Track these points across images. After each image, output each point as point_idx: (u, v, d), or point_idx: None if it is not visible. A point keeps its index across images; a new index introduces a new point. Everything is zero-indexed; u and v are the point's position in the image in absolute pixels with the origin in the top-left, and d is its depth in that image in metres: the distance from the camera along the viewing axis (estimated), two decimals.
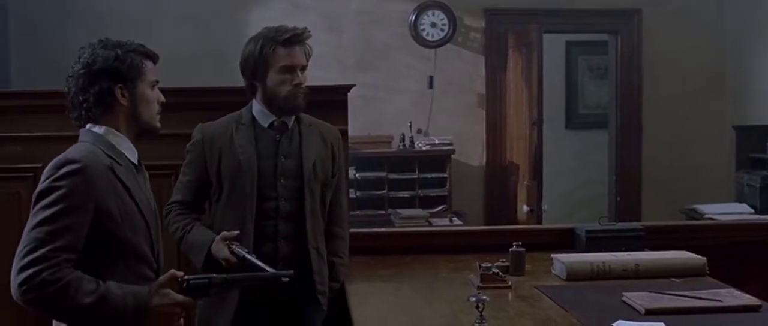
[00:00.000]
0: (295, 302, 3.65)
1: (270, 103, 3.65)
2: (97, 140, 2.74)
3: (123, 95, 2.77)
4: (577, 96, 10.22)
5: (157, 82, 2.87)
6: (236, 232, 3.50)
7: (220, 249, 3.45)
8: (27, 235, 2.56)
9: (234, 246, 3.41)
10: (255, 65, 3.61)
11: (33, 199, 2.60)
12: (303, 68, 3.65)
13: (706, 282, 3.67)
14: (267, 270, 3.19)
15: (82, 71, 2.74)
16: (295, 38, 3.62)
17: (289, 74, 3.60)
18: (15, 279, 2.51)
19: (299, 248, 3.64)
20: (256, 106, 3.70)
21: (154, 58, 2.87)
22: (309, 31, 3.67)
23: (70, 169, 2.58)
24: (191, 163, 3.72)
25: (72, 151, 2.67)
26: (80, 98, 2.75)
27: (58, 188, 2.56)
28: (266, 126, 3.69)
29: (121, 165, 2.74)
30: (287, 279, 2.91)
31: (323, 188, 3.72)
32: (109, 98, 2.75)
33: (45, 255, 2.51)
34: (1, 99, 4.50)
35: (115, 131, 2.78)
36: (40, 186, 2.60)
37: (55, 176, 2.58)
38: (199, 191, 3.72)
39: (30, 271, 2.49)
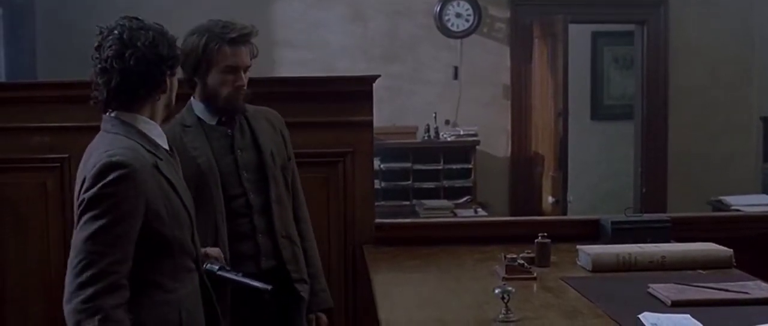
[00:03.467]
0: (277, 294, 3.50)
1: (208, 101, 3.52)
2: (130, 132, 2.68)
3: (169, 83, 2.77)
4: (602, 87, 10.17)
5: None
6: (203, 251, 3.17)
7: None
8: (81, 246, 2.51)
9: (206, 265, 3.09)
10: (197, 61, 3.43)
11: (81, 204, 2.56)
12: (246, 69, 3.51)
13: (732, 274, 3.65)
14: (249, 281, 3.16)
15: (138, 54, 2.64)
16: (243, 38, 3.47)
17: (232, 75, 3.46)
18: (74, 294, 2.48)
19: (273, 239, 3.58)
20: (198, 105, 3.56)
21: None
22: (256, 30, 3.53)
23: (119, 175, 2.53)
24: None
25: (113, 148, 2.59)
26: (135, 82, 2.66)
27: (109, 196, 2.52)
28: (215, 123, 3.56)
29: (161, 159, 2.71)
30: (268, 290, 3.13)
31: (284, 173, 3.65)
32: (163, 86, 2.73)
33: (104, 270, 2.48)
34: (27, 90, 4.52)
35: (147, 118, 2.73)
36: (89, 192, 2.53)
37: (104, 182, 2.52)
38: None
39: (90, 291, 2.47)
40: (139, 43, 2.64)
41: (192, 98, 3.59)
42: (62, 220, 4.16)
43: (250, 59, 3.53)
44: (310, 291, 3.68)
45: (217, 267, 3.13)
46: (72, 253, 2.53)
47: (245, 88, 3.51)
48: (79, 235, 2.53)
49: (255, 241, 3.55)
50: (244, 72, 3.50)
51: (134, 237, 2.56)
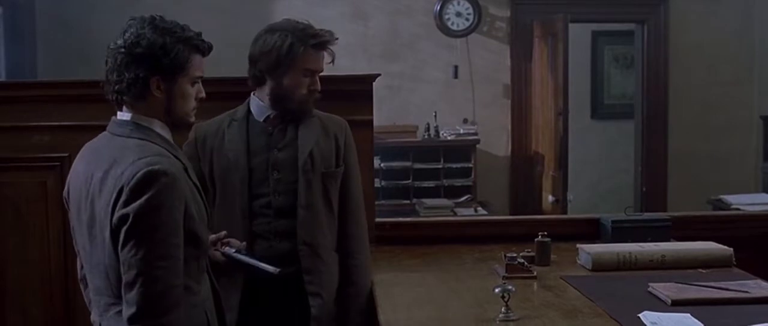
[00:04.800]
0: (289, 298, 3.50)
1: (278, 100, 3.48)
2: (151, 136, 2.62)
3: (158, 87, 2.61)
4: (602, 86, 10.17)
5: (201, 77, 2.72)
6: (223, 233, 3.30)
7: (212, 254, 3.17)
8: (141, 264, 2.44)
9: (224, 249, 3.25)
10: (277, 61, 3.41)
11: (125, 220, 2.46)
12: (320, 72, 3.52)
13: (732, 273, 3.65)
14: (259, 263, 3.22)
15: (121, 50, 2.58)
16: (325, 44, 3.47)
17: (309, 78, 3.46)
18: (144, 313, 2.44)
19: (294, 245, 3.49)
20: (256, 100, 3.54)
21: (204, 50, 2.72)
22: (337, 37, 3.50)
23: (164, 184, 2.46)
24: None
25: (145, 156, 2.52)
26: (115, 78, 2.60)
27: (158, 208, 2.45)
28: (262, 120, 3.53)
29: (185, 163, 2.67)
30: (275, 272, 3.17)
31: (325, 180, 3.52)
32: (143, 89, 2.60)
33: (170, 285, 2.47)
34: (28, 89, 4.52)
35: (161, 122, 2.66)
36: (133, 205, 2.44)
37: (150, 194, 2.45)
38: None
39: (160, 309, 2.45)
40: (122, 40, 2.59)
41: (252, 94, 3.56)
42: (62, 219, 4.15)
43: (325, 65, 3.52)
44: (345, 311, 3.56)
45: (233, 250, 3.23)
46: (129, 271, 2.45)
47: (318, 91, 3.52)
48: (133, 253, 2.45)
49: (270, 243, 3.48)
50: (318, 76, 3.51)
51: (182, 244, 2.53)
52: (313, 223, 3.50)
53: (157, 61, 2.59)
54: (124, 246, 2.47)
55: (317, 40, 3.44)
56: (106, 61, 2.63)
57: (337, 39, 3.50)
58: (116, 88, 2.61)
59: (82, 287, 2.84)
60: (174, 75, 2.63)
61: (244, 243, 3.33)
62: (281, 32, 3.44)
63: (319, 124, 3.57)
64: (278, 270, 3.19)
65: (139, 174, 2.46)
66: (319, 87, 3.51)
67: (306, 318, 3.46)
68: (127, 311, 2.46)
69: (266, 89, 3.49)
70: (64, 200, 2.79)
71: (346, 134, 3.65)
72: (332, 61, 3.53)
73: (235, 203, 3.47)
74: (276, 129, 3.53)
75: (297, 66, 3.43)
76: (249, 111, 3.55)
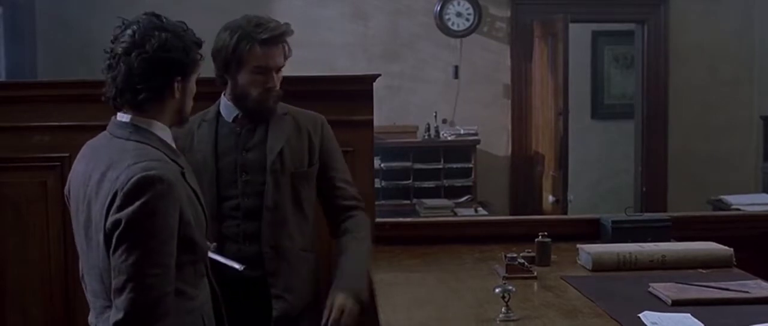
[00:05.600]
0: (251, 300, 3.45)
1: (237, 100, 3.41)
2: (150, 139, 2.60)
3: (178, 89, 2.63)
4: (603, 86, 10.18)
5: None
6: None
7: None
8: (132, 270, 2.42)
9: None
10: (227, 60, 3.33)
11: (117, 225, 2.43)
12: (278, 69, 3.39)
13: (733, 274, 3.64)
14: (226, 260, 3.19)
15: (144, 55, 2.54)
16: (275, 38, 3.33)
17: (262, 75, 3.34)
18: (131, 320, 2.43)
19: (262, 250, 3.44)
20: (224, 100, 3.47)
21: (200, 46, 2.72)
22: (291, 28, 3.38)
23: (159, 190, 2.43)
24: None
25: (142, 160, 2.49)
26: (134, 83, 2.56)
27: (151, 214, 2.42)
28: (230, 120, 3.45)
29: (184, 167, 2.65)
30: (241, 269, 3.13)
31: (295, 180, 3.45)
32: (167, 91, 2.61)
33: (162, 292, 2.45)
34: (28, 89, 4.52)
35: (162, 125, 2.65)
36: (126, 210, 2.42)
37: (144, 200, 2.42)
38: None
39: (150, 317, 2.44)
40: (148, 45, 2.56)
41: (222, 94, 3.49)
42: (62, 219, 4.14)
43: (284, 59, 3.40)
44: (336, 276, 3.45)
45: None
46: (119, 277, 2.44)
47: (277, 89, 3.40)
48: (124, 259, 2.43)
49: (239, 246, 3.41)
50: (277, 72, 3.38)
51: (176, 251, 2.51)
52: (279, 225, 3.44)
53: (181, 65, 2.61)
54: (115, 250, 2.45)
55: (266, 35, 3.31)
56: (110, 65, 2.60)
57: (292, 32, 3.38)
58: (142, 96, 2.58)
59: (83, 286, 2.84)
60: (190, 75, 2.67)
61: (215, 244, 3.25)
62: (232, 30, 3.34)
63: (291, 122, 3.50)
64: (244, 266, 3.15)
65: (133, 179, 2.44)
66: (276, 84, 3.39)
67: (268, 320, 3.43)
68: (115, 316, 2.44)
69: (228, 88, 3.44)
70: (66, 198, 2.80)
71: (321, 129, 3.57)
72: (289, 56, 3.42)
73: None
74: (244, 129, 3.46)
75: (247, 64, 3.33)
76: (219, 111, 3.49)
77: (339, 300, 3.34)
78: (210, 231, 3.23)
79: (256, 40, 3.30)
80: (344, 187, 3.61)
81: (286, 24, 3.38)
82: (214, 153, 3.44)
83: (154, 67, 2.57)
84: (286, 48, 3.40)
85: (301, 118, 3.54)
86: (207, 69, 2.83)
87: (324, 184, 3.60)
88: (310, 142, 3.52)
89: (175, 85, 2.62)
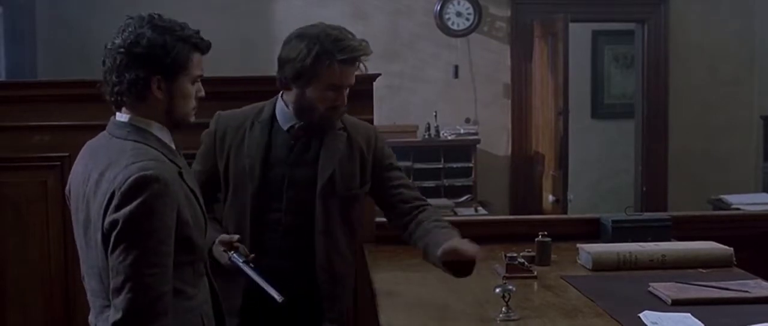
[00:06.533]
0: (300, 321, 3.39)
1: (301, 112, 3.29)
2: (148, 139, 2.57)
3: (159, 88, 2.55)
4: (603, 85, 10.18)
5: (201, 76, 2.66)
6: (236, 236, 3.14)
7: (220, 255, 3.10)
8: (129, 271, 2.41)
9: (232, 254, 3.07)
10: (301, 71, 3.18)
11: (115, 225, 2.42)
12: (349, 87, 3.29)
13: (733, 273, 3.65)
14: (265, 285, 2.98)
15: (120, 49, 2.51)
16: (355, 59, 3.21)
17: (333, 93, 3.23)
18: (130, 320, 2.42)
19: (305, 268, 3.35)
20: (281, 104, 3.35)
21: (203, 49, 2.65)
22: (370, 48, 3.25)
23: (156, 190, 2.42)
24: (203, 154, 3.43)
25: (139, 160, 2.47)
26: (113, 79, 2.54)
27: (148, 214, 2.41)
28: (285, 128, 3.35)
29: (181, 167, 2.62)
30: (280, 301, 2.89)
31: (344, 204, 3.38)
32: (144, 89, 2.54)
33: (160, 292, 2.43)
34: (28, 88, 4.52)
35: (159, 125, 2.61)
36: (123, 210, 2.41)
37: (141, 200, 2.40)
38: (208, 183, 3.32)
39: (147, 317, 2.43)
40: (120, 39, 2.54)
41: (280, 95, 3.38)
42: (62, 219, 4.15)
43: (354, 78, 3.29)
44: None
45: (242, 260, 3.05)
46: (117, 277, 2.43)
47: (345, 105, 3.31)
48: (122, 259, 2.42)
49: (274, 261, 3.28)
50: (346, 90, 3.29)
51: (173, 248, 2.49)
52: (335, 249, 3.38)
53: (157, 61, 2.53)
54: (113, 250, 2.44)
55: (346, 56, 3.19)
56: (104, 62, 2.58)
57: (371, 52, 3.25)
58: (116, 89, 2.56)
59: (84, 284, 2.84)
60: (175, 74, 2.58)
61: (253, 255, 3.13)
62: (310, 40, 3.19)
63: (344, 140, 3.40)
64: (283, 298, 2.92)
65: (130, 179, 2.43)
66: (345, 102, 3.29)
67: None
68: (114, 316, 2.44)
69: (291, 96, 3.30)
70: (66, 198, 2.79)
71: (374, 143, 3.48)
72: (363, 72, 3.35)
73: (244, 213, 3.33)
74: (299, 142, 3.36)
75: (321, 80, 3.21)
76: (274, 114, 3.38)
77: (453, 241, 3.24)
78: (247, 242, 3.23)
79: (336, 59, 3.17)
80: (403, 192, 3.51)
81: (365, 43, 3.26)
82: (264, 162, 3.34)
83: (126, 62, 2.52)
84: (362, 65, 3.29)
85: (354, 132, 3.44)
86: (210, 69, 2.81)
87: (383, 194, 3.52)
88: (362, 161, 3.43)
89: (153, 83, 2.55)
